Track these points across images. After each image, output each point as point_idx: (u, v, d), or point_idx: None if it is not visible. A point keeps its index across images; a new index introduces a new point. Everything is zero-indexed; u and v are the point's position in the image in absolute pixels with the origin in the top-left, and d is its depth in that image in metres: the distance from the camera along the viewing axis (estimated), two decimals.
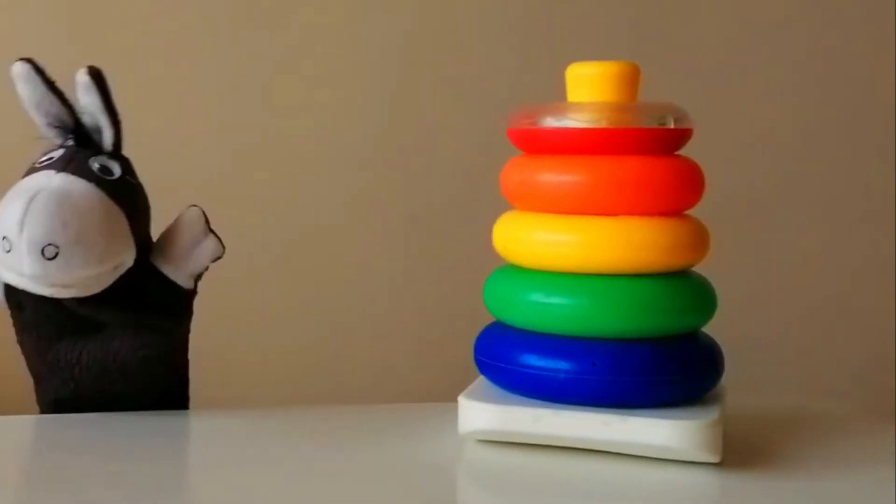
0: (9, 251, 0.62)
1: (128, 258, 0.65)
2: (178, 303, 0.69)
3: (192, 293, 0.70)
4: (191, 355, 0.71)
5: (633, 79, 0.63)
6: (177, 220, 0.69)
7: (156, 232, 0.70)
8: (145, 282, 0.67)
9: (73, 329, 0.67)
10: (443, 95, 1.09)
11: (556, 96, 0.65)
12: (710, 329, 0.65)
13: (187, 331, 0.71)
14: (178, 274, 0.68)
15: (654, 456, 0.60)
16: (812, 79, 1.16)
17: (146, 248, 0.68)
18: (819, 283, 1.17)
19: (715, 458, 0.59)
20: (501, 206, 0.66)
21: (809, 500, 0.57)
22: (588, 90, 0.63)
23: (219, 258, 0.69)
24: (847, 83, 1.17)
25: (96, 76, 0.65)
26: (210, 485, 0.58)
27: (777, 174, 1.16)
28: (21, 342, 0.68)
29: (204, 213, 0.69)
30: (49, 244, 0.61)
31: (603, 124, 0.61)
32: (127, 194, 0.66)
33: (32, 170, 0.65)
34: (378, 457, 0.62)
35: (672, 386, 0.60)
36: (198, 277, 0.70)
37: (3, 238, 0.62)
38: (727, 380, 0.65)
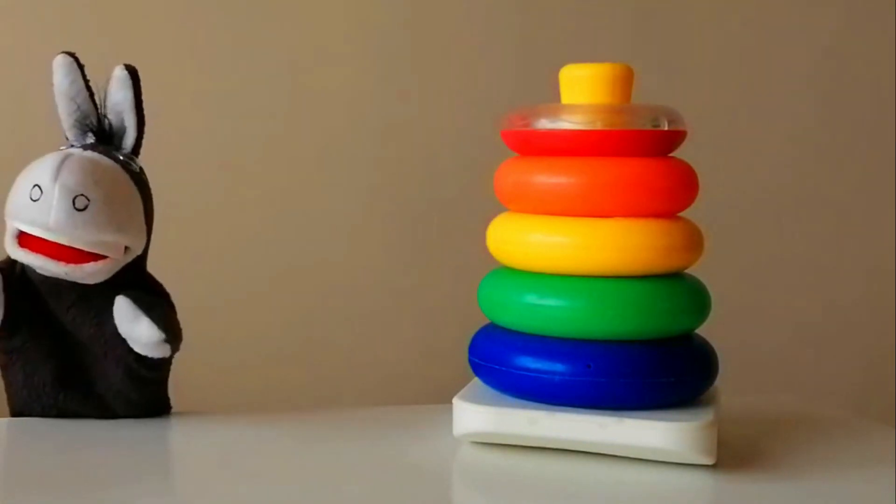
0: (37, 200, 0.62)
1: (138, 244, 0.66)
2: (151, 365, 0.67)
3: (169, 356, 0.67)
4: (184, 356, 0.71)
5: (626, 81, 0.63)
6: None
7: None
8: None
9: (59, 355, 0.67)
10: (436, 97, 1.09)
11: (550, 98, 0.65)
12: (704, 331, 0.65)
13: (166, 374, 0.69)
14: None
15: (649, 458, 0.60)
16: (808, 79, 1.16)
17: (143, 260, 0.68)
18: (813, 284, 1.17)
19: (709, 460, 0.59)
20: (496, 208, 0.66)
21: (803, 502, 0.57)
22: (582, 92, 0.63)
23: (165, 342, 0.64)
24: (844, 83, 1.17)
25: (133, 73, 0.66)
26: (203, 487, 0.58)
27: (771, 175, 1.16)
28: (4, 366, 0.68)
29: (132, 299, 0.64)
30: (81, 194, 0.62)
31: (597, 126, 0.61)
32: (144, 189, 0.67)
33: None
34: (373, 459, 0.62)
35: (667, 388, 0.60)
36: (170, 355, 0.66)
37: (35, 186, 0.62)
38: (721, 382, 0.65)
